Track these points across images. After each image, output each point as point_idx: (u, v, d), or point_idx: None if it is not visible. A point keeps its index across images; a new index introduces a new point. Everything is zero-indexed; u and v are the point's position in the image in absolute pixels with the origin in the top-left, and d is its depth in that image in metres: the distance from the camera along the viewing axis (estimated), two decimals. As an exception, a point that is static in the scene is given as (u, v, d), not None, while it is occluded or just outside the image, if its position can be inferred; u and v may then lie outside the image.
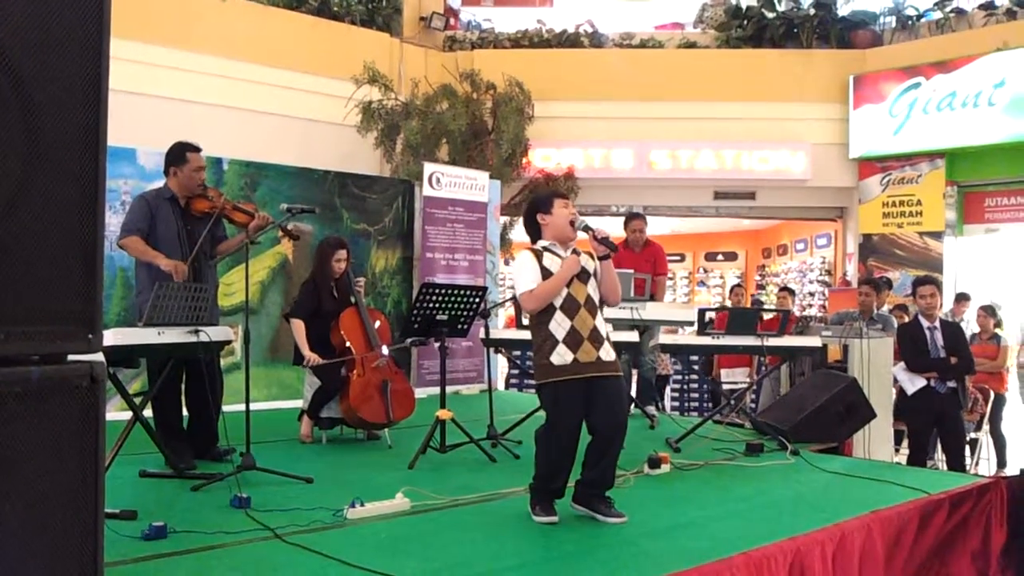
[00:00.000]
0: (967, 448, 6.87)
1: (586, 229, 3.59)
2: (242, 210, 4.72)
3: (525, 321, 4.79)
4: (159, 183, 4.94)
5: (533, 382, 9.64)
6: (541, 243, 3.67)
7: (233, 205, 4.73)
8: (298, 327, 5.23)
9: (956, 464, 6.04)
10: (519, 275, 3.58)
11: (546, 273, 3.54)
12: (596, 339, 3.53)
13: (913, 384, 6.11)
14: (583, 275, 3.60)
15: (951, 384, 6.04)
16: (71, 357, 1.72)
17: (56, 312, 1.69)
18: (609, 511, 3.54)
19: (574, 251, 3.65)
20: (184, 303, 4.04)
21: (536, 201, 3.76)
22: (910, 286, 11.26)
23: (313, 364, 5.15)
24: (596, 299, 3.63)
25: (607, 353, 3.55)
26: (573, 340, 3.49)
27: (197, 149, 4.66)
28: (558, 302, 3.52)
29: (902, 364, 6.26)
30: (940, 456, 6.53)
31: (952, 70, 10.92)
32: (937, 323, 6.16)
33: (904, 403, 6.31)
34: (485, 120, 10.50)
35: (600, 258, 3.65)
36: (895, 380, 6.47)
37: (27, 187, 1.64)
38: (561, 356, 3.48)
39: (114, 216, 6.32)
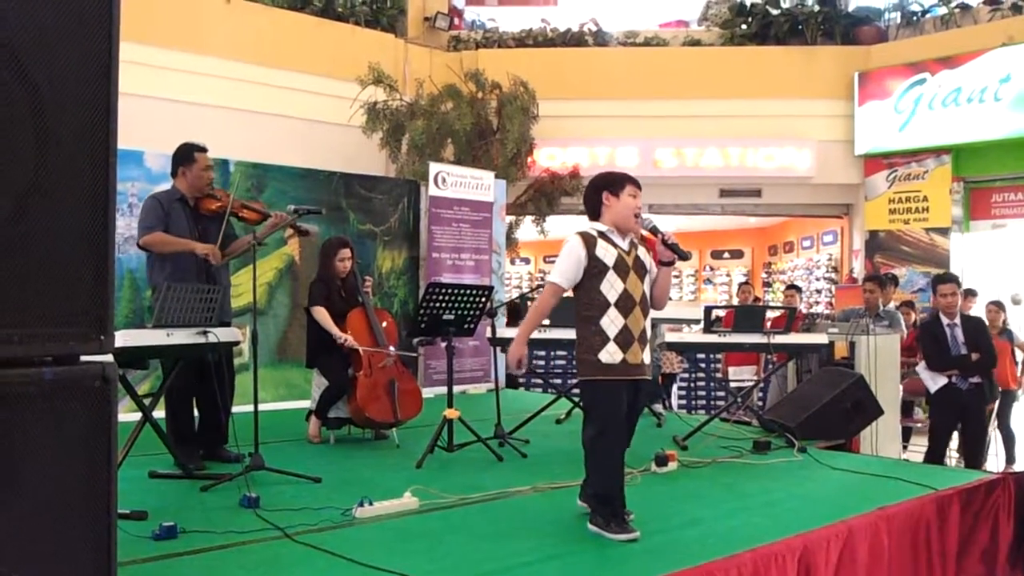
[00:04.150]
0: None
1: (654, 231, 3.37)
2: (251, 208, 4.78)
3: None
4: (166, 185, 4.96)
5: (540, 381, 9.57)
6: (599, 226, 3.41)
7: (242, 203, 4.78)
8: (322, 314, 5.24)
9: (974, 460, 5.97)
10: (560, 261, 3.37)
11: (598, 263, 3.30)
12: (644, 340, 3.37)
13: (935, 382, 6.00)
14: (641, 271, 3.39)
15: (974, 380, 5.91)
16: (83, 358, 1.74)
17: (68, 314, 1.70)
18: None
19: (633, 244, 3.44)
20: (192, 304, 4.06)
21: (607, 178, 3.49)
22: (917, 282, 11.25)
23: (349, 345, 5.18)
24: (650, 298, 3.47)
25: (648, 355, 3.44)
26: (624, 339, 3.28)
27: (204, 149, 4.71)
28: (613, 298, 3.28)
29: (925, 363, 6.20)
30: (952, 452, 6.48)
31: (957, 66, 10.88)
32: (957, 319, 6.01)
33: (931, 400, 6.24)
34: (490, 120, 10.51)
35: (662, 263, 3.43)
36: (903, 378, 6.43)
37: (38, 189, 1.65)
38: (611, 355, 3.27)
39: (122, 219, 6.35)
